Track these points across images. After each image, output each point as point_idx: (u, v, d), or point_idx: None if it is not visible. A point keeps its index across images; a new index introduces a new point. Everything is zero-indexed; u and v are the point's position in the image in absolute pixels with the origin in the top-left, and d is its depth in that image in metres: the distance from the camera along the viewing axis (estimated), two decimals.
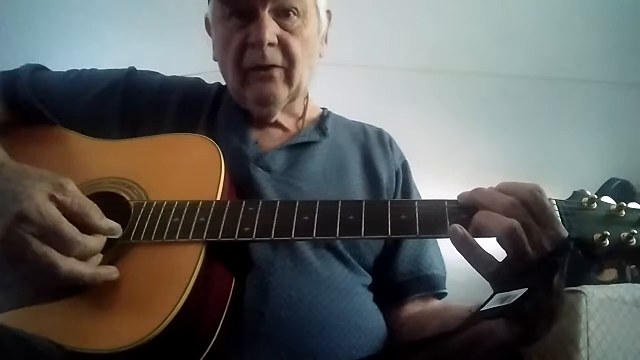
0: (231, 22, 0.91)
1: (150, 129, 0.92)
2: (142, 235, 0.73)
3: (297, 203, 0.73)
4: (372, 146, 1.03)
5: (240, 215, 0.72)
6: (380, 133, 1.08)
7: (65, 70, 1.03)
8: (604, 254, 0.61)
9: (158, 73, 1.07)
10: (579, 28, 2.31)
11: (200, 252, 0.70)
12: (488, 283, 0.64)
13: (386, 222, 0.69)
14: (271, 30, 0.88)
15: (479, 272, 0.64)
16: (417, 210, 0.69)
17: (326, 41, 1.04)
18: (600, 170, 2.78)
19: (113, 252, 0.72)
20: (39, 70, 1.01)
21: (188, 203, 0.75)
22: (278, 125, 1.00)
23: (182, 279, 0.67)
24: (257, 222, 0.72)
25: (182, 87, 1.03)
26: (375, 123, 1.12)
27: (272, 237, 0.71)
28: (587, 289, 1.39)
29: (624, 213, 0.64)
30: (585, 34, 2.33)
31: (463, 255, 0.64)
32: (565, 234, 0.62)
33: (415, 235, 0.68)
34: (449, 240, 0.65)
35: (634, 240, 0.61)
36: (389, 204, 0.71)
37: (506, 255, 0.62)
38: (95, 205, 0.70)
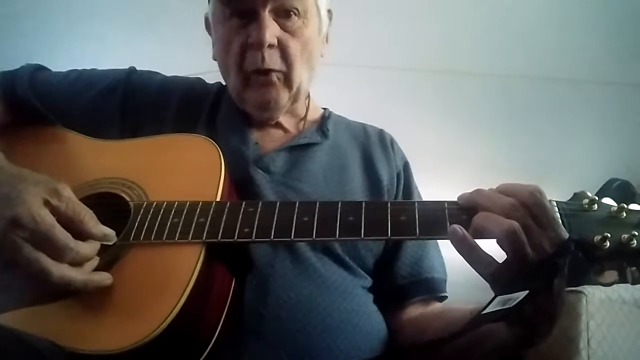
0: (231, 22, 0.91)
1: (150, 129, 0.92)
2: (142, 236, 0.73)
3: (297, 204, 0.73)
4: (372, 147, 1.03)
5: (240, 216, 0.72)
6: (381, 134, 1.08)
7: (65, 70, 1.03)
8: (604, 255, 0.61)
9: (158, 73, 1.07)
10: (579, 28, 2.31)
11: (199, 252, 0.70)
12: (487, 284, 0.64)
13: (386, 223, 0.68)
14: (271, 30, 0.87)
15: (479, 273, 0.64)
16: (416, 211, 0.69)
17: (327, 40, 1.03)
18: (600, 170, 2.78)
19: (112, 252, 0.72)
20: (39, 70, 1.01)
21: (187, 203, 0.75)
22: (279, 125, 1.00)
23: (181, 279, 0.67)
24: (256, 222, 0.71)
25: (182, 87, 1.02)
26: (375, 123, 1.12)
27: (272, 237, 0.70)
28: (587, 289, 1.39)
29: (625, 214, 0.64)
30: (585, 34, 2.33)
31: (462, 256, 0.64)
32: (566, 235, 0.62)
33: (414, 236, 0.67)
34: (448, 240, 0.65)
35: (635, 241, 0.60)
36: (389, 205, 0.70)
37: (506, 256, 0.62)
38: (90, 211, 0.69)
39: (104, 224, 0.70)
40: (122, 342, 0.63)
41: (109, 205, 0.77)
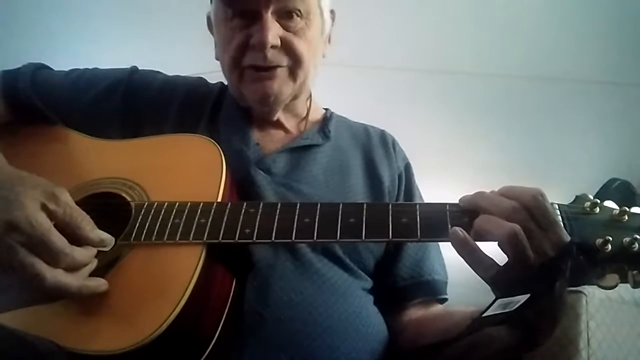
0: (233, 22, 0.90)
1: (152, 129, 0.92)
2: (143, 236, 0.73)
3: (298, 205, 0.72)
4: (374, 148, 1.03)
5: (241, 217, 0.72)
6: (383, 135, 1.08)
7: (67, 70, 1.02)
8: (605, 258, 0.61)
9: (160, 72, 1.07)
10: (579, 28, 2.31)
11: (200, 253, 0.69)
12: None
13: (387, 225, 0.68)
14: (274, 32, 0.87)
15: (480, 276, 0.64)
16: (418, 213, 0.69)
17: (329, 41, 1.03)
18: (600, 170, 2.79)
19: (113, 252, 0.71)
20: (40, 69, 1.01)
21: (189, 204, 0.75)
22: (279, 125, 1.00)
23: (182, 280, 0.67)
24: (257, 223, 0.71)
25: (184, 86, 1.02)
26: (375, 123, 1.12)
27: (273, 238, 0.70)
28: (587, 289, 1.39)
29: (627, 218, 0.64)
30: (585, 34, 2.33)
31: (463, 259, 0.64)
32: (567, 238, 0.62)
33: (416, 238, 0.67)
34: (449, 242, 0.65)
35: (636, 245, 0.60)
36: (390, 207, 0.70)
37: (507, 259, 0.62)
38: (87, 216, 0.69)
39: (104, 223, 0.70)
40: (123, 342, 0.63)
41: (110, 205, 0.77)
